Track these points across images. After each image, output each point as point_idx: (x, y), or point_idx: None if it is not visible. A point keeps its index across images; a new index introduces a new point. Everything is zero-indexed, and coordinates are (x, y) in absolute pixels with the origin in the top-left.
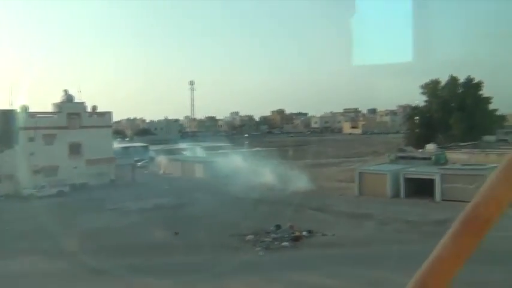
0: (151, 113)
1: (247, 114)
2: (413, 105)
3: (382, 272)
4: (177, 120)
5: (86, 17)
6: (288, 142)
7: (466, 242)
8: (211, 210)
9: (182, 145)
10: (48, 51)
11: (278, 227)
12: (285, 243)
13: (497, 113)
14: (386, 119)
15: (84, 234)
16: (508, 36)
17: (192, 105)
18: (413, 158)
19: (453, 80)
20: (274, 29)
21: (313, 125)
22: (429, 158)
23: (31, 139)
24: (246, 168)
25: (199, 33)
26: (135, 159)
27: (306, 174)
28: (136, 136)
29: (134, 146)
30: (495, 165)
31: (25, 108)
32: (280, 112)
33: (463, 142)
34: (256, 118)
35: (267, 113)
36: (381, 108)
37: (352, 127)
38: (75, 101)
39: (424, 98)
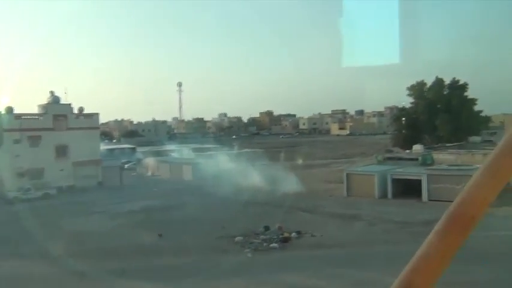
0: (139, 114)
1: (235, 115)
2: (400, 106)
3: (370, 273)
4: (165, 122)
5: (73, 18)
6: (276, 143)
7: (451, 239)
8: (200, 212)
9: (170, 147)
10: (33, 52)
11: (267, 228)
12: (274, 245)
13: (482, 114)
14: (374, 120)
15: (70, 237)
16: (492, 38)
17: (180, 106)
18: (401, 158)
19: (439, 81)
20: (262, 30)
21: (301, 127)
22: (416, 159)
23: (16, 141)
24: (234, 169)
25: (187, 34)
26: (123, 161)
27: (295, 175)
28: (123, 138)
29: (122, 148)
30: (481, 165)
31: (10, 110)
32: (269, 113)
33: (449, 143)
34: (245, 119)
35: (256, 115)
36: (368, 109)
37: (340, 128)
38: (62, 102)
39: (411, 99)
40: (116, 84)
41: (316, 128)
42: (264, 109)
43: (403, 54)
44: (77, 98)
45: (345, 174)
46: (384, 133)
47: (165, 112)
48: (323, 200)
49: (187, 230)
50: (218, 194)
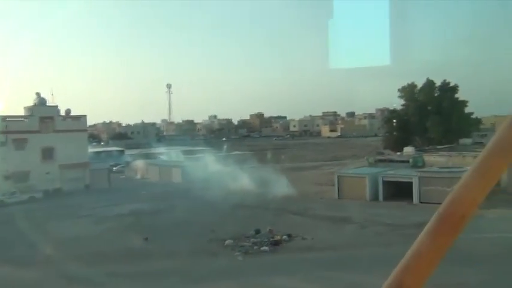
0: (128, 116)
1: (225, 117)
2: (391, 108)
3: (362, 275)
4: (154, 124)
5: (59, 18)
6: (266, 146)
7: (442, 239)
8: (189, 215)
9: (159, 149)
10: (20, 53)
11: (257, 231)
12: (265, 248)
13: (473, 116)
14: (365, 122)
15: (57, 241)
16: (483, 40)
17: (170, 108)
18: (392, 161)
19: (429, 83)
20: (253, 31)
21: (292, 129)
22: (407, 161)
23: (2, 144)
24: (224, 172)
25: (177, 35)
26: (111, 163)
27: (286, 177)
28: (112, 140)
29: (110, 151)
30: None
31: None
32: (259, 115)
33: (440, 145)
34: (235, 122)
35: (246, 117)
36: (359, 111)
37: (331, 130)
38: (48, 104)
39: (402, 101)
40: (104, 86)
41: (307, 130)
42: (255, 111)
43: (394, 56)
44: (64, 100)
45: (336, 176)
46: (375, 135)
47: (154, 114)
48: (314, 203)
49: (176, 233)
50: (208, 197)
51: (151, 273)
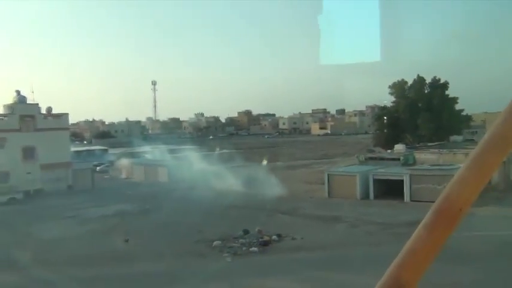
0: (111, 114)
1: (213, 115)
2: (381, 105)
3: (353, 275)
4: (138, 122)
5: (42, 15)
6: (255, 144)
7: (439, 233)
8: (176, 216)
9: (144, 148)
10: None
11: (246, 231)
12: (254, 249)
13: (464, 113)
14: (355, 119)
15: (39, 244)
16: (473, 37)
17: (155, 106)
18: (382, 158)
19: (420, 80)
20: (240, 28)
21: (281, 126)
22: (398, 159)
23: None
24: (212, 171)
25: (161, 31)
26: (94, 163)
27: (275, 176)
28: (95, 139)
29: (93, 150)
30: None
31: None
32: (247, 113)
33: (431, 142)
34: (223, 119)
35: (234, 114)
36: (349, 108)
37: (321, 128)
38: (29, 102)
39: (392, 98)
40: (86, 83)
41: (297, 128)
42: (243, 108)
43: (385, 52)
44: (45, 97)
45: (326, 175)
46: (366, 132)
47: (139, 112)
48: (304, 202)
49: (163, 234)
50: (195, 197)
51: (136, 276)
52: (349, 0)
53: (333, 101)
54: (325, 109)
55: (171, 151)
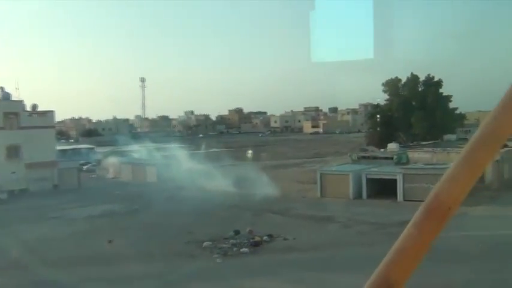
0: (99, 112)
1: (203, 113)
2: (374, 103)
3: (346, 276)
4: (126, 120)
5: (28, 11)
6: (246, 142)
7: (428, 230)
8: (165, 216)
9: (132, 147)
10: None
11: (237, 232)
12: (244, 249)
13: (457, 111)
14: (348, 118)
15: (23, 245)
16: (467, 35)
17: (143, 103)
18: (375, 157)
19: (414, 77)
20: (230, 25)
21: (273, 125)
22: (391, 158)
23: None
24: (202, 171)
25: (150, 28)
26: (81, 162)
27: (266, 176)
28: (82, 137)
29: (79, 148)
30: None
31: None
32: (238, 111)
33: (425, 141)
34: (213, 117)
35: (225, 112)
36: (342, 107)
37: (313, 126)
38: (13, 99)
39: (386, 96)
40: (73, 80)
41: (289, 126)
42: (233, 106)
43: (378, 49)
44: (31, 94)
45: (318, 174)
46: (358, 131)
47: (127, 110)
48: (295, 202)
49: (151, 235)
50: (184, 197)
51: (125, 277)
52: None
53: (326, 99)
54: (317, 107)
55: (160, 150)
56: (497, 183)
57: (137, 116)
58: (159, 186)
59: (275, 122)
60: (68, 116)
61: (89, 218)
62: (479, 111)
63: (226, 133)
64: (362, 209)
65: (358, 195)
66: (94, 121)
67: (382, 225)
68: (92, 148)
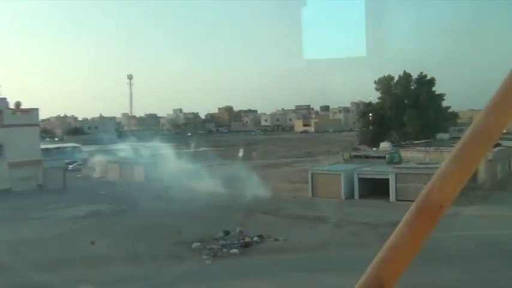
0: (84, 110)
1: (192, 111)
2: (367, 102)
3: (338, 277)
4: (113, 118)
5: (11, 8)
6: (236, 141)
7: (420, 228)
8: (153, 217)
9: (119, 146)
10: None
11: (226, 233)
12: (234, 250)
13: (450, 110)
14: (340, 116)
15: (6, 246)
16: (460, 34)
17: (131, 101)
18: (368, 157)
19: (406, 76)
20: (219, 21)
21: (264, 123)
22: (383, 157)
23: None
24: (191, 170)
25: (138, 25)
26: (66, 161)
27: (256, 175)
28: (67, 136)
29: (65, 147)
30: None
31: None
32: (228, 109)
33: (417, 140)
34: (202, 116)
35: (214, 110)
36: (333, 105)
37: (304, 125)
38: None
39: (378, 94)
40: (58, 77)
41: (280, 125)
42: (223, 104)
43: (370, 47)
44: (14, 91)
45: (309, 173)
46: (350, 130)
47: (113, 108)
48: (286, 202)
49: (139, 236)
50: (173, 197)
51: (111, 280)
52: None
53: (317, 97)
54: (309, 105)
55: (148, 149)
56: (490, 182)
57: (124, 114)
58: (147, 186)
59: (266, 120)
60: (53, 114)
61: (74, 218)
62: (472, 110)
63: (216, 132)
64: (354, 209)
65: (350, 195)
66: (80, 119)
67: (374, 225)
68: (78, 147)
